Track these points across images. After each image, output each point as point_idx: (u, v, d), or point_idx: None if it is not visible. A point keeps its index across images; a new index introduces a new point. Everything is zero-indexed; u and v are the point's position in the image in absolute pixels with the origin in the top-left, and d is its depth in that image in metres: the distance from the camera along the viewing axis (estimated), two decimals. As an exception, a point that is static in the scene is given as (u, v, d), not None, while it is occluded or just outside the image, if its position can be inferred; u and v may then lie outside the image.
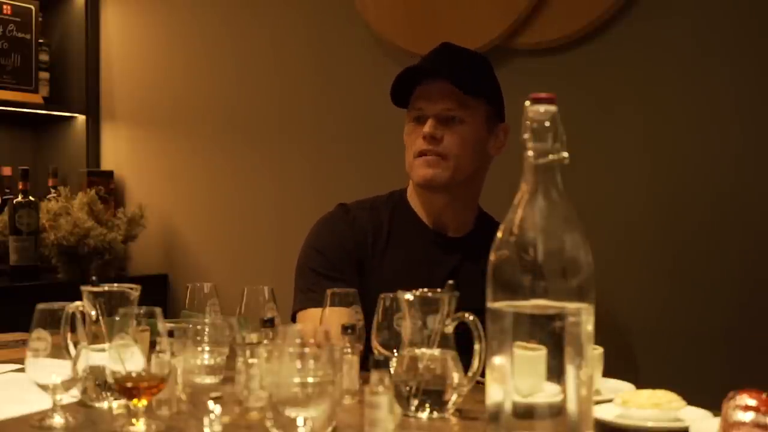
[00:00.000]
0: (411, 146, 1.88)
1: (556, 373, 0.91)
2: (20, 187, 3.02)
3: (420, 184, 1.89)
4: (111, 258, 3.13)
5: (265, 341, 1.26)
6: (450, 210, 1.92)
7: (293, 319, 1.87)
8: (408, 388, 1.26)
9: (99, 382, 1.26)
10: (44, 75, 3.41)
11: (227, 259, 3.20)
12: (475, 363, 1.27)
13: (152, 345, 1.16)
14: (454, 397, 1.27)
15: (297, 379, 1.01)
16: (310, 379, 1.01)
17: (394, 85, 1.89)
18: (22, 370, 1.42)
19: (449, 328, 1.28)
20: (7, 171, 3.26)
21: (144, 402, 1.14)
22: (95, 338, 1.25)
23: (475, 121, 1.87)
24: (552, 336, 0.91)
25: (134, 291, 1.27)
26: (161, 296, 3.26)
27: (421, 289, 1.29)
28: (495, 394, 0.94)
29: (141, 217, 3.24)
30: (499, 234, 0.95)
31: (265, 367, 1.05)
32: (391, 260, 1.89)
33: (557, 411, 0.91)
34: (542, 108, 0.95)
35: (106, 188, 3.34)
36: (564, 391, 0.91)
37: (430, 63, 1.91)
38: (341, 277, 1.82)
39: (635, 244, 2.40)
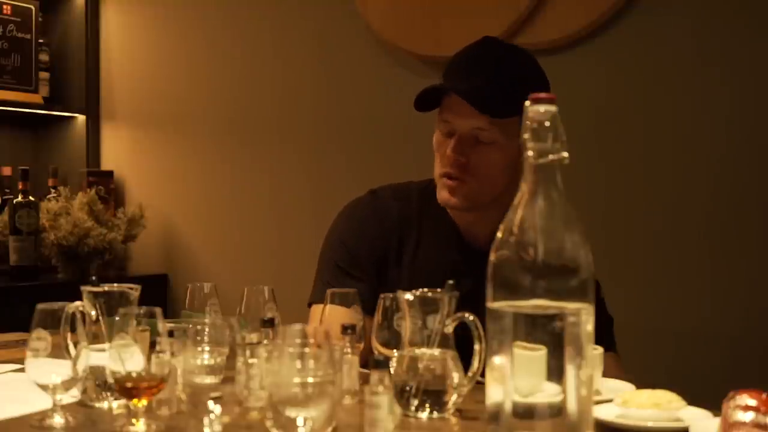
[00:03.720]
0: (439, 158, 1.74)
1: (556, 373, 0.91)
2: (20, 187, 3.02)
3: (442, 205, 1.76)
4: (111, 258, 3.14)
5: (265, 341, 1.26)
6: (480, 223, 1.76)
7: (310, 308, 1.82)
8: (408, 388, 1.26)
9: (99, 382, 1.26)
10: (44, 75, 3.41)
11: (227, 259, 3.19)
12: (475, 363, 1.27)
13: (152, 345, 1.16)
14: (454, 397, 1.27)
15: (297, 379, 1.01)
16: (310, 379, 1.01)
17: (420, 96, 1.71)
18: (22, 370, 1.42)
19: (449, 328, 1.28)
20: (7, 171, 3.26)
21: (144, 402, 1.14)
22: (95, 338, 1.25)
23: (508, 138, 1.66)
24: (552, 336, 0.91)
25: (134, 291, 1.27)
26: (161, 296, 3.26)
27: (421, 289, 1.29)
28: (495, 394, 0.94)
29: (141, 217, 3.24)
30: (499, 234, 0.95)
31: (265, 367, 1.05)
32: (417, 263, 1.79)
33: (557, 411, 0.91)
34: (542, 108, 0.95)
35: (106, 188, 3.34)
36: (564, 391, 0.91)
37: (462, 76, 1.70)
38: (363, 278, 1.75)
39: (635, 244, 2.40)
